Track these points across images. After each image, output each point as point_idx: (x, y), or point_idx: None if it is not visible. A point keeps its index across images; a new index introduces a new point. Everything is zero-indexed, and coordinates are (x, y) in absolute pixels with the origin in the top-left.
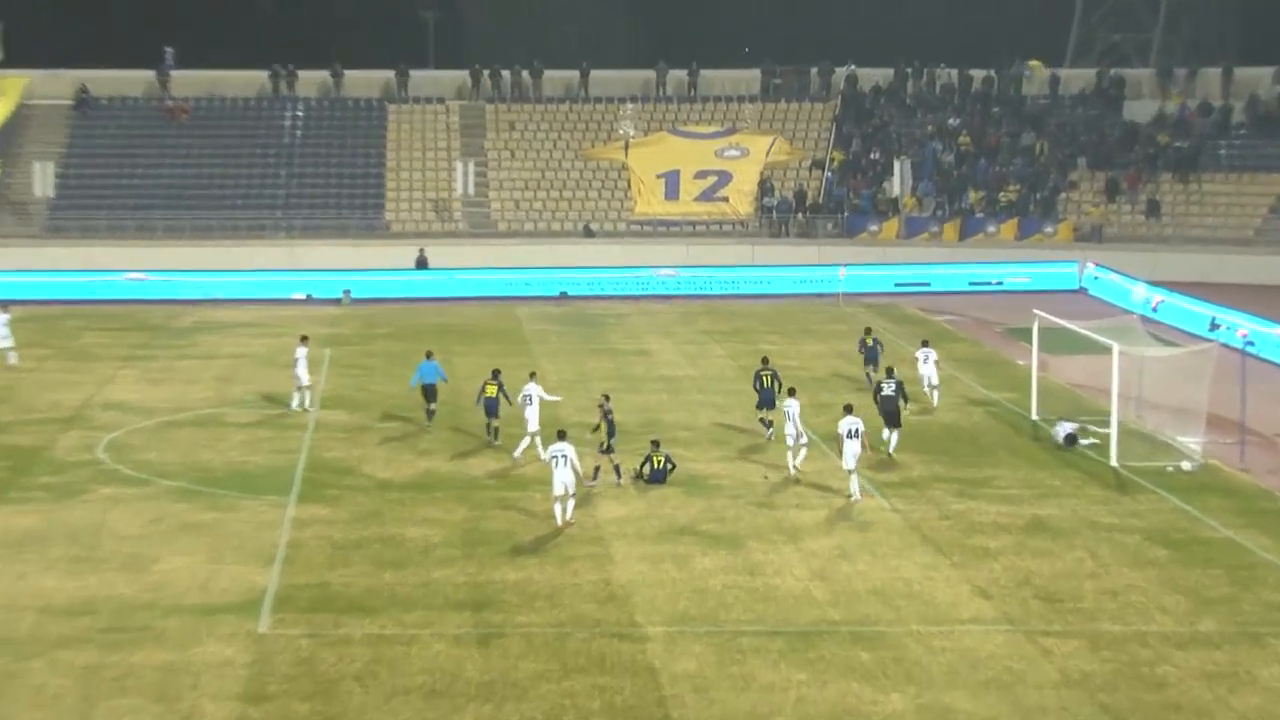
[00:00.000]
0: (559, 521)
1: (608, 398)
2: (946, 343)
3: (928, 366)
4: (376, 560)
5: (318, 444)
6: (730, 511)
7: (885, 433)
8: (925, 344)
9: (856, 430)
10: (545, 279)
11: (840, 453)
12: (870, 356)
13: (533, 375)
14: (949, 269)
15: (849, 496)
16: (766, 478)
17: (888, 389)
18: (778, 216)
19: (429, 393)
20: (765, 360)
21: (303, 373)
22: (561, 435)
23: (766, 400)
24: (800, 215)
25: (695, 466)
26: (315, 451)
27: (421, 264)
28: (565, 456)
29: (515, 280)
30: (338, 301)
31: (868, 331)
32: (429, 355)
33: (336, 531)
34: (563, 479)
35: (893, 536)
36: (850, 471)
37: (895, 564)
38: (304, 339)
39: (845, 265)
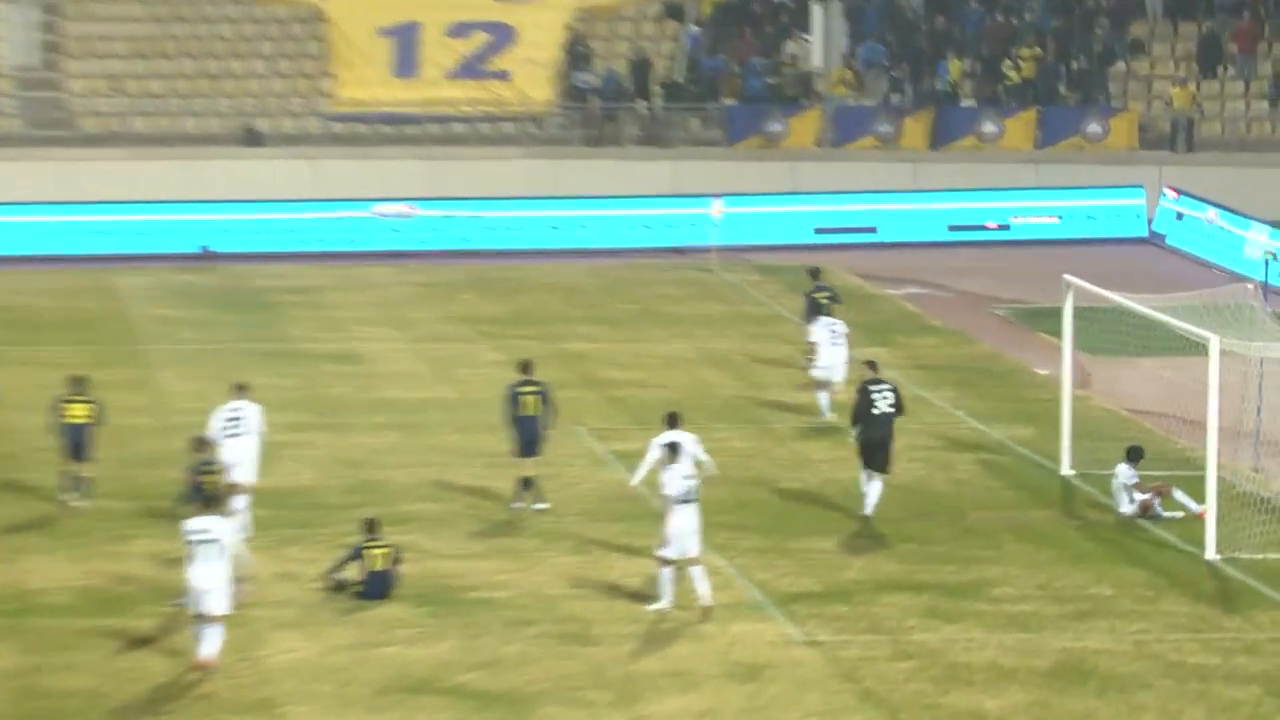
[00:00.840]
0: (201, 656)
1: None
2: (908, 335)
3: (836, 350)
4: None
5: None
6: (511, 647)
7: (863, 478)
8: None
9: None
10: (172, 223)
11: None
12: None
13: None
14: (912, 202)
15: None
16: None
17: (883, 401)
18: (601, 108)
19: None
20: (525, 367)
21: None
22: (208, 499)
23: (523, 440)
24: (641, 105)
25: (446, 566)
26: None
27: None
28: (215, 540)
29: (115, 224)
30: None
31: (814, 275)
32: None
33: None
34: (205, 574)
35: (807, 692)
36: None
37: None
38: None
39: (722, 196)
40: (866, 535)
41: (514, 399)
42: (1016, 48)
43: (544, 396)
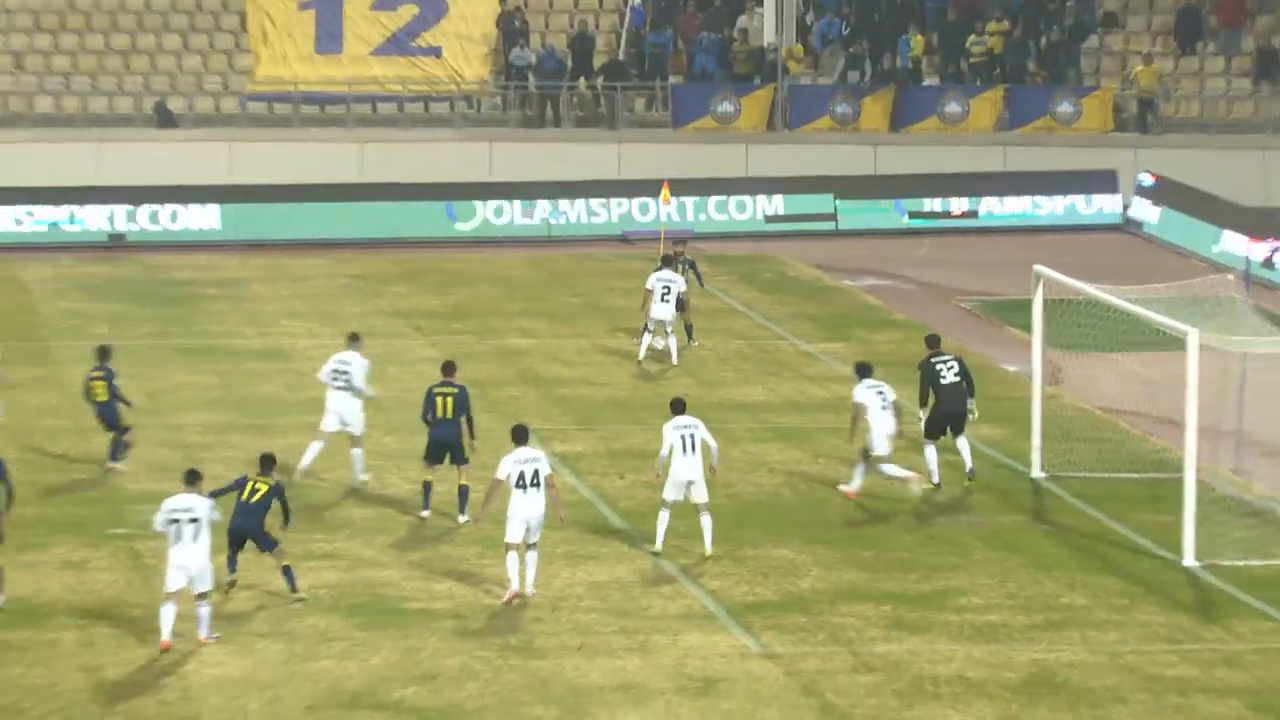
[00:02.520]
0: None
1: None
2: (868, 329)
3: (665, 307)
4: None
5: None
6: (451, 659)
7: (929, 453)
8: (671, 262)
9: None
10: (81, 209)
11: None
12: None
13: None
14: (871, 188)
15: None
16: (515, 601)
17: (949, 372)
18: (538, 87)
19: None
20: (448, 369)
21: None
22: (189, 476)
23: (437, 441)
24: (582, 84)
25: (381, 575)
26: None
27: None
28: (197, 519)
29: (15, 212)
30: None
31: (672, 255)
32: None
33: None
34: (190, 554)
35: (764, 706)
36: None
37: None
38: None
39: (670, 181)
40: (824, 542)
41: (430, 398)
42: (982, 22)
43: (459, 398)
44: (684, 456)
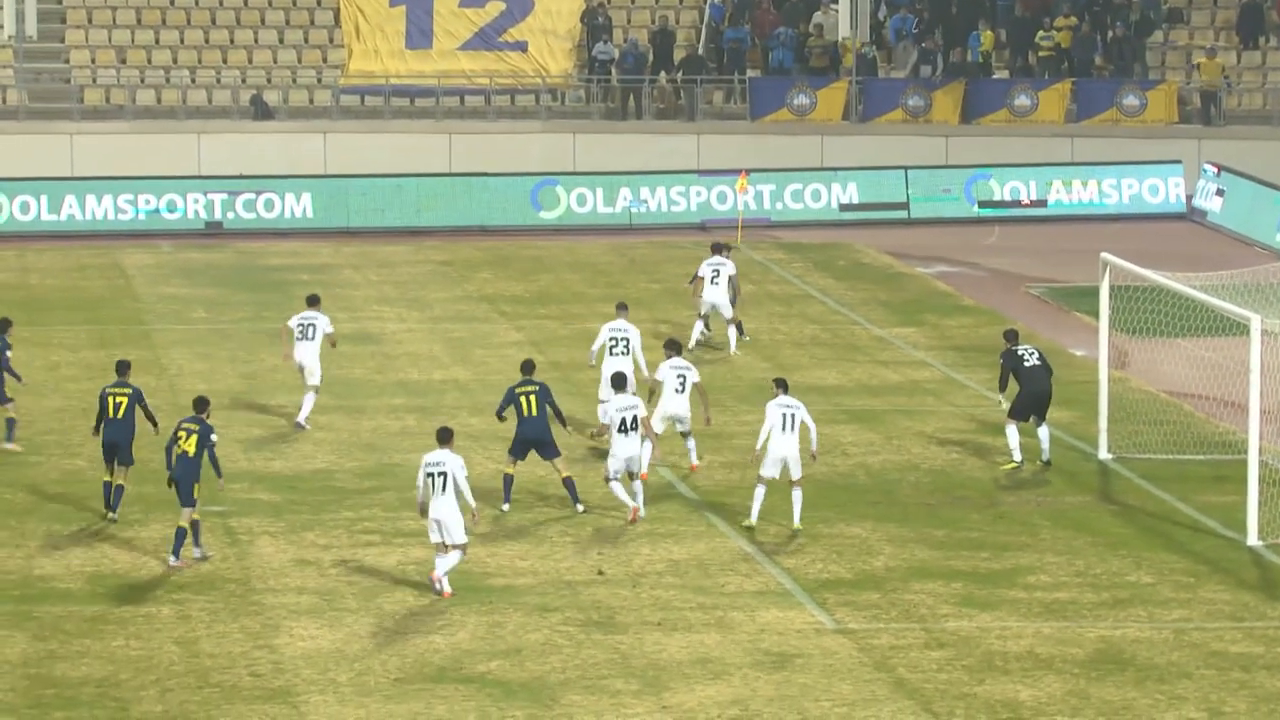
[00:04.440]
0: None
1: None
2: (939, 314)
3: (716, 290)
4: None
5: None
6: (534, 634)
7: (1013, 433)
8: (720, 250)
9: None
10: (179, 200)
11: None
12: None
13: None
14: (942, 177)
15: None
16: (602, 572)
17: (1030, 357)
18: (620, 81)
19: None
20: (527, 368)
21: None
22: (443, 434)
23: (523, 439)
24: (663, 78)
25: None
26: None
27: None
28: (446, 472)
29: (119, 201)
30: None
31: (718, 250)
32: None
33: None
34: (442, 506)
35: (838, 681)
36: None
37: None
38: None
39: (747, 171)
40: (896, 521)
41: (512, 397)
42: (1050, 17)
43: (542, 395)
44: (782, 435)
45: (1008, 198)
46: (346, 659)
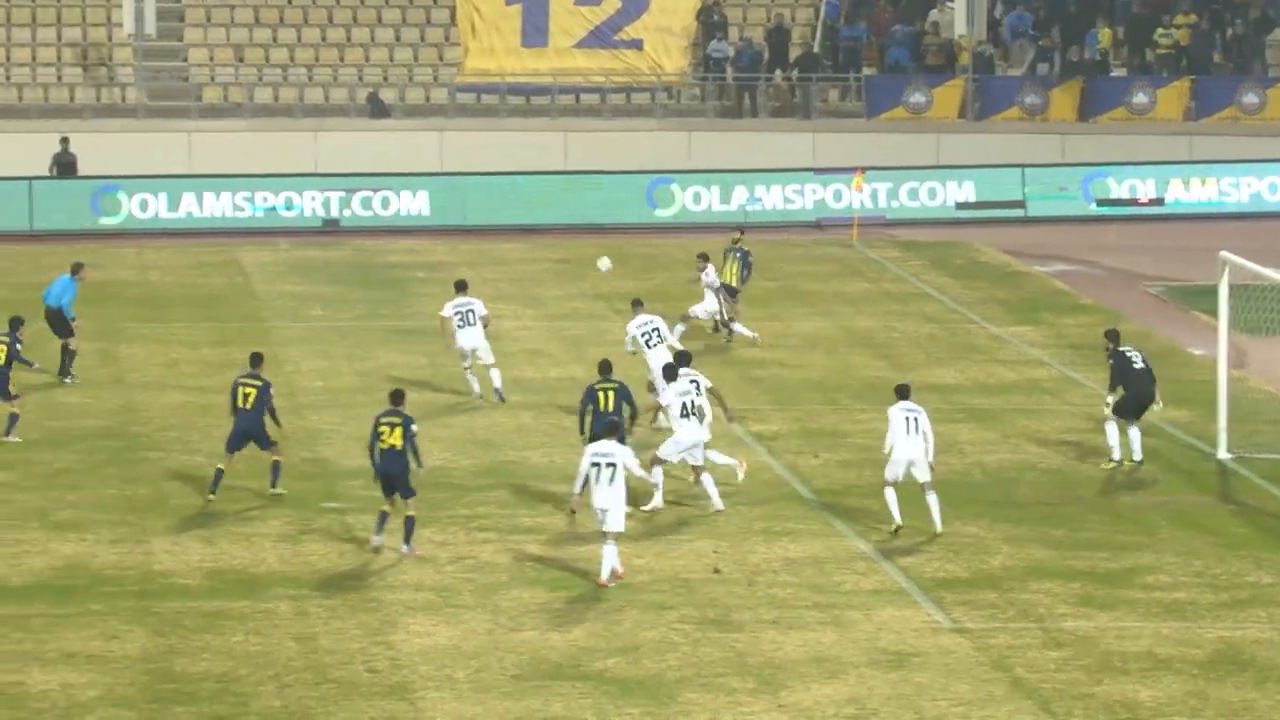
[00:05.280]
0: (607, 576)
1: None
2: (1056, 313)
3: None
4: None
5: None
6: (651, 632)
7: (1112, 431)
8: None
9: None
10: (296, 198)
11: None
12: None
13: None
14: (1059, 176)
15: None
16: (719, 570)
17: (1138, 358)
18: (735, 79)
19: (57, 325)
20: (605, 368)
21: None
22: (610, 427)
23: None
24: (778, 76)
25: (582, 550)
26: None
27: (64, 167)
28: (615, 464)
29: (237, 199)
30: None
31: (735, 244)
32: (75, 270)
33: None
34: (608, 495)
35: (956, 680)
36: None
37: None
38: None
39: (863, 169)
40: (1014, 520)
41: (591, 394)
42: (1169, 15)
43: (621, 392)
44: (906, 438)
45: (1126, 196)
46: (464, 655)
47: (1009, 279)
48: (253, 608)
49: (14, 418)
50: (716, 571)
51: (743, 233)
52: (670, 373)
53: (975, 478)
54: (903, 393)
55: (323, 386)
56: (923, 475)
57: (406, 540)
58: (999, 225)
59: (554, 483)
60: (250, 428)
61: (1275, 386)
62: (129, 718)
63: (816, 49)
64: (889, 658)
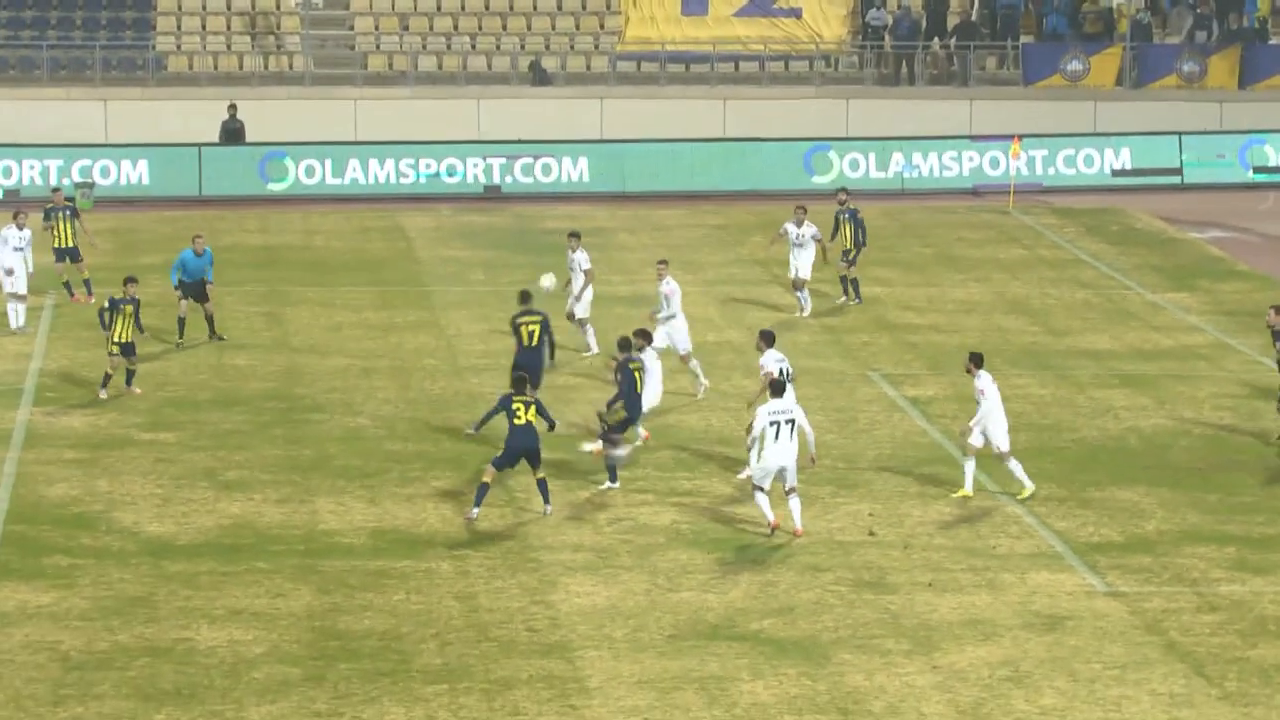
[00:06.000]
0: (795, 525)
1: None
2: (1212, 279)
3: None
4: (143, 691)
5: (32, 468)
6: (806, 593)
7: None
8: (845, 196)
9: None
10: (459, 164)
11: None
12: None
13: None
14: (1218, 142)
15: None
16: (874, 533)
17: None
18: (893, 47)
19: (198, 293)
20: (623, 345)
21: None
22: (779, 387)
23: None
24: (936, 44)
25: (739, 511)
26: (27, 483)
27: (232, 134)
28: (793, 419)
29: (401, 165)
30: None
31: (843, 205)
32: (196, 240)
33: (69, 637)
34: (785, 451)
35: (1110, 643)
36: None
37: (1115, 698)
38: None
39: (1020, 136)
40: (1169, 485)
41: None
42: None
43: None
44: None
45: None
46: (621, 615)
47: (1164, 246)
48: (414, 567)
49: (131, 373)
50: (872, 534)
51: (848, 193)
52: (779, 389)
53: (1130, 443)
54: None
55: (483, 350)
56: (1003, 445)
57: (546, 500)
58: (1155, 192)
59: (711, 444)
60: (530, 364)
61: None
62: (294, 674)
63: (974, 17)
64: (1043, 621)
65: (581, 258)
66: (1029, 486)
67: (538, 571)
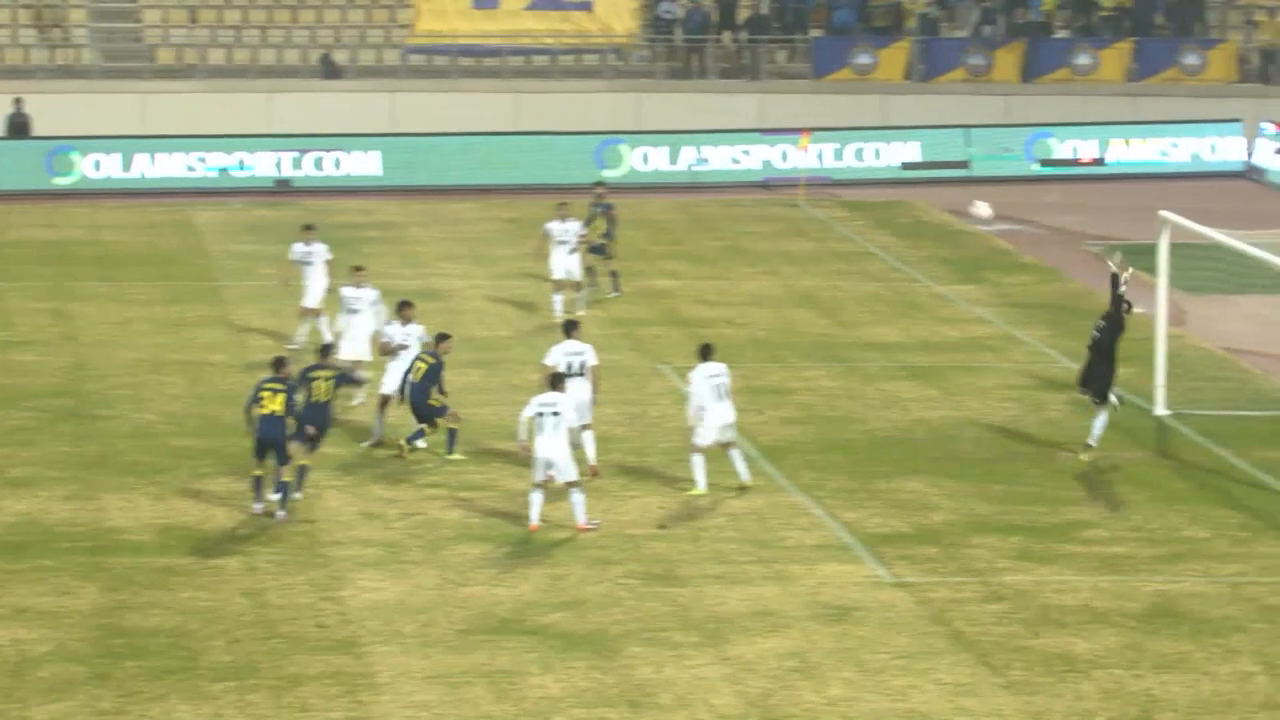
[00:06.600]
0: (579, 520)
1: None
2: (999, 272)
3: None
4: None
5: None
6: (596, 587)
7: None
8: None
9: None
10: (249, 158)
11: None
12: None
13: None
14: (1003, 136)
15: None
16: (664, 526)
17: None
18: (684, 40)
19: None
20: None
21: None
22: (556, 379)
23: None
24: (727, 38)
25: (527, 506)
26: None
27: (17, 127)
28: (560, 414)
29: (190, 159)
30: None
31: (599, 199)
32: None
33: None
34: (551, 445)
35: (896, 634)
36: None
37: (902, 688)
38: None
39: (810, 130)
40: (955, 476)
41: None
42: None
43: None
44: (716, 404)
45: (1068, 156)
46: (411, 611)
47: (952, 238)
48: (202, 564)
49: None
50: (661, 528)
51: (606, 186)
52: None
53: (917, 434)
54: (705, 354)
55: (273, 345)
56: (730, 435)
57: (282, 505)
58: (943, 185)
59: (501, 439)
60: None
61: (1213, 344)
62: (80, 672)
63: (764, 11)
64: (831, 612)
65: (320, 249)
66: (701, 487)
67: (327, 567)
